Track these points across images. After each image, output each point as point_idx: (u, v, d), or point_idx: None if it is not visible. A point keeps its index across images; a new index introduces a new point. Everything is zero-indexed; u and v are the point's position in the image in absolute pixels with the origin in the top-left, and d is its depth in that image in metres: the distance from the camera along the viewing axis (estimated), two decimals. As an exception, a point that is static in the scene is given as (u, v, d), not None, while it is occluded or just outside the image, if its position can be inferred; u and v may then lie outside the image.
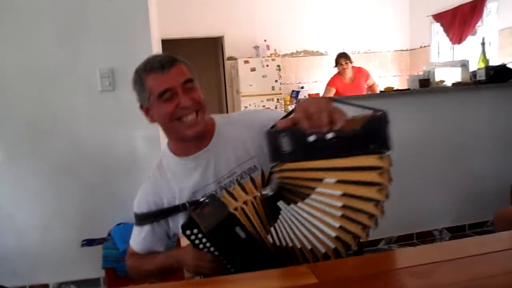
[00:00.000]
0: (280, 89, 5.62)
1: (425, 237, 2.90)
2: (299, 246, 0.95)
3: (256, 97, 5.48)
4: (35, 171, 2.43)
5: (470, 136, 2.93)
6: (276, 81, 5.59)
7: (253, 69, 5.48)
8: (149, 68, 1.11)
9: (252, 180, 1.05)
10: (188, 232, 1.02)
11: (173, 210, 1.17)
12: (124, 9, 2.46)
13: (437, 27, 5.72)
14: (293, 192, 0.94)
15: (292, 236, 0.96)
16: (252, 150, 1.17)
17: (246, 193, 1.02)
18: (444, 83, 2.97)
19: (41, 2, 2.35)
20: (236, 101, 5.78)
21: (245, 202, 0.99)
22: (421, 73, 3.10)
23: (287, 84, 5.99)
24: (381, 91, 2.99)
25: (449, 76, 3.00)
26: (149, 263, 1.21)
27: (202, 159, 1.18)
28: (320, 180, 0.89)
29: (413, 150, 2.87)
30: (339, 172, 0.87)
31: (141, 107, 1.19)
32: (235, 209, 0.97)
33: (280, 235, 0.98)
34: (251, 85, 5.48)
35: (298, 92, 5.88)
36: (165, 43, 5.35)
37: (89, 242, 2.44)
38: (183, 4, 5.70)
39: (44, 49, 2.38)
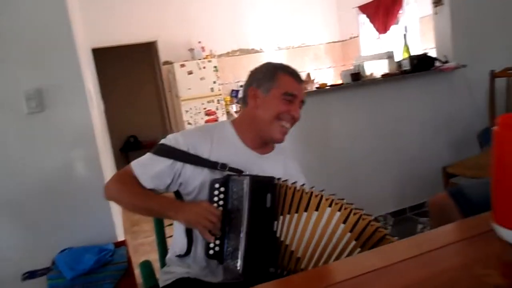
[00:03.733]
0: (219, 90, 5.60)
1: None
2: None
3: (196, 100, 5.43)
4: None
5: (404, 123, 3.11)
6: (214, 82, 5.57)
7: (190, 73, 5.41)
8: (287, 70, 1.30)
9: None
10: (216, 185, 1.11)
11: (209, 164, 1.20)
12: (45, 25, 2.32)
13: (364, 18, 5.96)
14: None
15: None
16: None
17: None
18: (374, 75, 3.11)
19: None
20: (177, 106, 5.69)
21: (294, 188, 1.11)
22: (352, 67, 3.23)
23: (226, 84, 5.99)
24: (317, 88, 3.08)
25: (378, 68, 3.15)
26: (145, 196, 1.20)
27: (256, 160, 1.28)
28: None
29: (352, 141, 3.00)
30: None
31: (250, 90, 1.31)
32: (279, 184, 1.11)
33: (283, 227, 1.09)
34: (189, 89, 5.41)
35: (237, 91, 5.90)
36: (97, 51, 5.14)
37: (31, 274, 2.30)
38: (112, 11, 5.49)
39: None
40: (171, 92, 5.88)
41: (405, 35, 3.25)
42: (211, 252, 1.09)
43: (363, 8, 5.84)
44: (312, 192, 1.09)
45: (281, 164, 1.34)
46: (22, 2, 2.27)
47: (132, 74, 6.82)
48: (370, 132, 3.04)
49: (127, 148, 6.77)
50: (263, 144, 1.33)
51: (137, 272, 2.30)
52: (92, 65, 4.40)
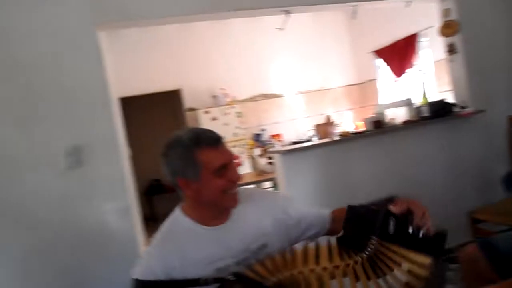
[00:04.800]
0: (243, 134, 5.77)
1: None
2: None
3: (220, 145, 5.56)
4: (4, 258, 2.36)
5: (425, 168, 3.16)
6: (237, 127, 5.73)
7: (214, 119, 5.60)
8: (202, 142, 1.17)
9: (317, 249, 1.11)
10: None
11: (191, 283, 1.13)
12: (84, 85, 2.48)
13: (380, 61, 6.11)
14: (373, 268, 1.04)
15: None
16: (268, 229, 1.27)
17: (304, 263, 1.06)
18: (395, 122, 3.20)
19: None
20: (201, 151, 5.82)
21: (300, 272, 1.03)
22: (373, 114, 3.33)
23: (249, 128, 6.14)
24: (340, 136, 3.18)
25: (398, 115, 3.24)
26: None
27: (223, 230, 1.23)
28: (399, 264, 1.03)
29: (374, 187, 3.04)
30: (411, 264, 1.02)
31: (179, 182, 1.20)
32: (273, 284, 1.01)
33: None
34: (213, 134, 5.56)
35: (259, 135, 6.04)
36: (123, 101, 5.38)
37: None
38: (138, 60, 5.78)
39: (5, 137, 2.36)
40: (195, 138, 6.03)
41: (423, 82, 3.34)
42: None
43: (378, 53, 6.00)
44: (310, 276, 1.03)
45: (249, 224, 1.27)
46: (64, 61, 2.46)
47: (157, 120, 7.06)
48: (392, 178, 3.09)
49: (152, 192, 6.89)
50: (222, 211, 1.27)
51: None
52: (120, 114, 4.60)
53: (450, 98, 3.40)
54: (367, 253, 1.06)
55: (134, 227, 2.60)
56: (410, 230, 1.07)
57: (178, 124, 6.93)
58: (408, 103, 3.19)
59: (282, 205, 1.35)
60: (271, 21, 5.43)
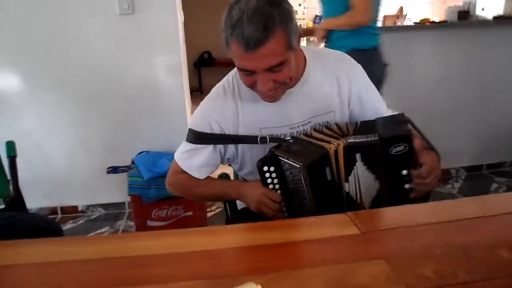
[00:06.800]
0: (303, 13, 5.35)
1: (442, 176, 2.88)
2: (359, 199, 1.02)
3: (278, 22, 5.22)
4: (61, 101, 2.42)
5: (505, 75, 2.79)
6: (299, 4, 5.31)
7: (276, -9, 5.17)
8: (236, 34, 0.92)
9: (340, 127, 1.07)
10: (265, 168, 1.01)
11: (247, 140, 1.10)
12: None
13: None
14: None
15: (358, 188, 1.01)
16: (334, 105, 1.13)
17: (337, 137, 1.01)
18: (484, 16, 2.76)
19: None
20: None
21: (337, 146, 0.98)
22: (460, 3, 2.88)
23: (311, 8, 5.66)
24: (415, 23, 2.81)
25: (492, 9, 2.78)
26: (204, 187, 1.17)
27: (283, 99, 1.07)
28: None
29: (442, 86, 2.76)
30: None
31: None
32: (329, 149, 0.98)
33: (352, 185, 1.01)
34: (273, 9, 5.20)
35: (321, 17, 5.59)
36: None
37: (114, 170, 2.50)
38: None
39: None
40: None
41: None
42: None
43: None
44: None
45: (313, 97, 1.12)
46: None
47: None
48: (464, 78, 2.76)
49: (201, 64, 6.84)
50: None
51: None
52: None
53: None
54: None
55: (183, 85, 2.55)
56: (405, 172, 0.98)
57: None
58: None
59: (359, 91, 1.15)
60: None
